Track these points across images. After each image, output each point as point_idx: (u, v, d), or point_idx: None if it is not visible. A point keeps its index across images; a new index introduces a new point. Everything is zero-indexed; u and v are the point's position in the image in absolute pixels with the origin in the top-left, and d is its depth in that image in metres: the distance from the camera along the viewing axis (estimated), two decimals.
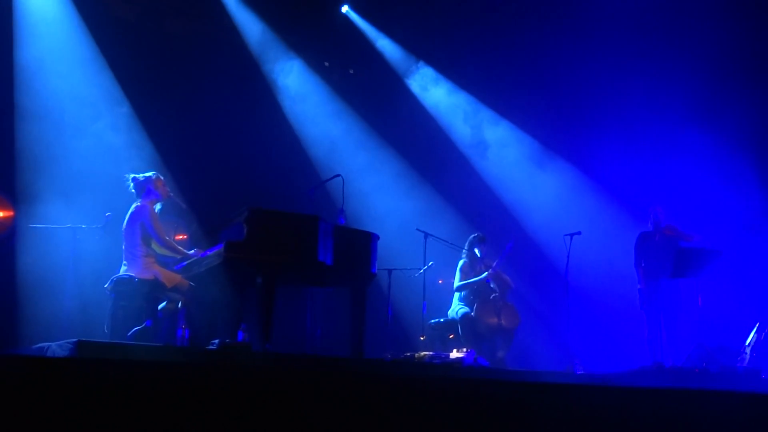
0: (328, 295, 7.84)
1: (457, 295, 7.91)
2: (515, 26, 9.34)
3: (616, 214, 9.12)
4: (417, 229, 7.95)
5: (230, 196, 8.14)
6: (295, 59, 9.60)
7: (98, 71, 8.31)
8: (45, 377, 2.63)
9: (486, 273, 7.77)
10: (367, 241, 6.18)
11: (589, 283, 8.75)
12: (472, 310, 7.65)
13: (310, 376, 3.28)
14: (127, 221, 6.02)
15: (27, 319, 7.38)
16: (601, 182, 9.43)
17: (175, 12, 9.08)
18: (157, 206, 6.20)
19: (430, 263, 7.87)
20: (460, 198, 9.87)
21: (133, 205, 6.09)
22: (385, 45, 10.01)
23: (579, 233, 7.60)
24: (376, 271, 6.27)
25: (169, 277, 5.92)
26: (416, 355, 7.02)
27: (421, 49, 9.98)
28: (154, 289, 5.85)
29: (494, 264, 7.81)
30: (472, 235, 8.12)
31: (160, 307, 5.98)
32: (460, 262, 7.99)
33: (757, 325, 7.24)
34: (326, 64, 9.94)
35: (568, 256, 7.57)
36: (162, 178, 6.23)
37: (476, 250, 7.98)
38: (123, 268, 5.96)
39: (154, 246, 6.10)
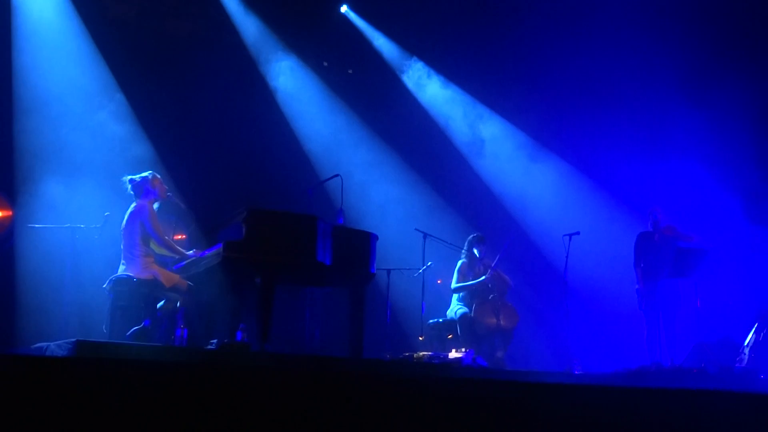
0: (327, 295, 7.84)
1: (455, 295, 7.91)
2: (520, 26, 9.30)
3: (615, 215, 9.12)
4: (416, 229, 7.95)
5: (229, 196, 8.15)
6: (293, 59, 9.60)
7: (96, 69, 8.32)
8: (44, 377, 2.63)
9: (483, 277, 7.76)
10: (366, 241, 6.18)
11: (587, 284, 8.76)
12: (470, 311, 7.65)
13: (308, 376, 3.28)
14: (126, 221, 6.02)
15: (26, 318, 7.39)
16: (601, 182, 9.43)
17: (173, 11, 9.08)
18: (156, 205, 6.19)
19: (429, 263, 7.87)
20: (459, 198, 9.88)
21: (132, 205, 6.09)
22: (383, 44, 10.02)
23: (578, 233, 7.60)
24: (375, 271, 6.27)
25: (168, 277, 5.92)
26: (415, 355, 7.02)
27: (418, 48, 9.98)
28: (153, 289, 5.85)
29: (493, 263, 7.81)
30: (471, 236, 8.12)
31: (158, 306, 5.98)
32: (459, 263, 7.99)
33: (756, 325, 7.24)
34: (325, 64, 9.95)
35: (567, 257, 7.57)
36: (159, 177, 6.22)
37: (475, 251, 7.98)
38: (122, 268, 5.95)
39: (153, 246, 6.10)
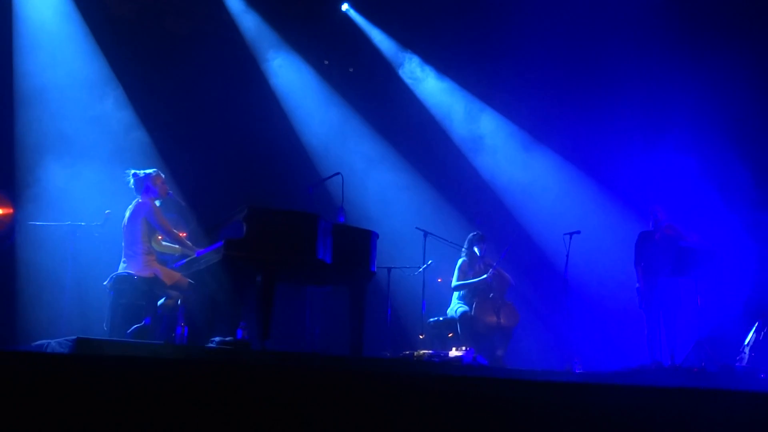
0: (327, 293, 7.84)
1: (456, 293, 7.91)
2: (518, 17, 9.26)
3: (615, 214, 9.12)
4: (416, 228, 7.95)
5: (230, 194, 8.15)
6: (294, 56, 9.60)
7: (96, 67, 8.31)
8: (44, 374, 2.63)
9: (485, 275, 7.77)
10: (367, 239, 6.18)
11: (588, 282, 8.76)
12: (471, 309, 7.66)
13: (309, 374, 3.28)
14: (128, 218, 6.02)
15: (27, 316, 7.39)
16: (601, 181, 9.43)
17: (174, 10, 9.08)
18: (157, 203, 6.20)
19: (430, 262, 7.87)
20: (460, 196, 9.88)
21: (134, 202, 6.09)
22: (384, 42, 10.01)
23: (578, 232, 7.61)
24: (376, 269, 6.27)
25: (169, 275, 5.92)
26: (415, 353, 7.02)
27: (415, 43, 9.97)
28: (154, 286, 5.85)
29: (495, 262, 7.81)
30: (472, 234, 8.12)
31: (159, 304, 5.98)
32: (460, 261, 8.00)
33: (756, 324, 7.25)
34: (326, 62, 9.94)
35: (567, 255, 7.57)
36: (162, 175, 6.23)
37: (476, 249, 7.98)
38: (122, 266, 5.95)
39: (155, 244, 6.11)
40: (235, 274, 5.75)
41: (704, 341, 7.31)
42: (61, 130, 7.90)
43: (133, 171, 6.18)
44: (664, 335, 7.41)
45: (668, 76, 8.79)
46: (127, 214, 6.05)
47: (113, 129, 8.15)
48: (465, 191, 9.94)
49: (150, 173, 6.15)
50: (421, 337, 7.73)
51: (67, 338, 4.80)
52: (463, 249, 8.01)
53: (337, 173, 6.95)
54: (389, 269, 7.84)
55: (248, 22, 9.37)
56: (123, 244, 6.03)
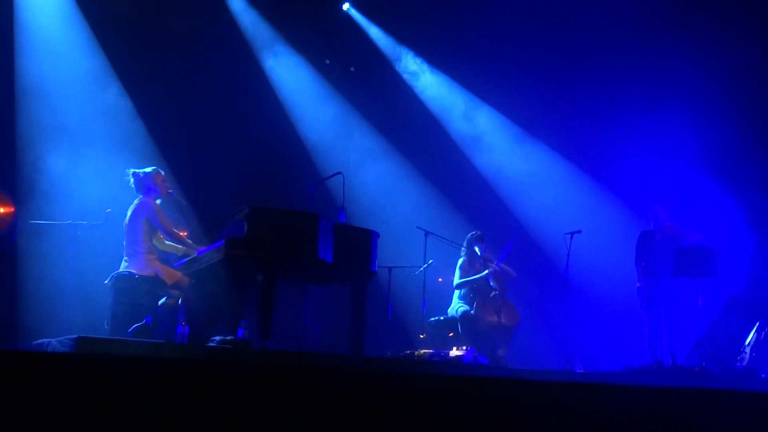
0: (328, 292, 7.84)
1: (456, 293, 7.91)
2: (520, 15, 9.26)
3: (616, 213, 9.12)
4: (417, 227, 7.95)
5: (231, 193, 8.15)
6: (295, 56, 9.60)
7: (95, 66, 8.31)
8: (45, 373, 2.63)
9: (486, 271, 7.77)
10: (368, 238, 6.17)
11: (589, 282, 8.76)
12: (472, 308, 7.66)
13: (309, 373, 3.28)
14: (130, 217, 6.02)
15: (28, 315, 7.39)
16: (602, 181, 9.42)
17: (174, 8, 9.07)
18: (158, 201, 6.20)
19: (430, 261, 7.87)
20: (462, 196, 9.87)
21: (135, 201, 6.10)
22: (384, 41, 10.01)
23: (579, 232, 7.61)
24: (377, 268, 6.27)
25: (170, 274, 5.92)
26: (416, 353, 7.02)
27: (420, 47, 9.97)
28: (155, 285, 5.85)
29: (495, 262, 7.82)
30: (471, 233, 8.13)
31: (160, 303, 5.99)
32: (460, 260, 8.00)
33: (757, 324, 7.25)
34: (327, 61, 9.94)
35: (568, 255, 7.57)
36: (162, 173, 6.23)
37: (476, 248, 7.99)
38: (123, 265, 5.96)
39: (157, 243, 6.11)
40: (235, 273, 5.74)
41: (705, 341, 7.31)
42: (63, 125, 7.90)
43: (132, 170, 6.18)
44: (665, 335, 7.42)
45: (670, 76, 8.78)
46: (129, 213, 6.05)
47: (114, 126, 8.16)
48: (466, 190, 9.93)
49: (150, 172, 6.14)
50: (421, 336, 7.73)
51: (68, 337, 4.81)
52: (463, 248, 8.01)
53: (339, 173, 6.94)
54: (390, 268, 7.84)
55: (248, 20, 9.38)
56: (124, 243, 6.03)
